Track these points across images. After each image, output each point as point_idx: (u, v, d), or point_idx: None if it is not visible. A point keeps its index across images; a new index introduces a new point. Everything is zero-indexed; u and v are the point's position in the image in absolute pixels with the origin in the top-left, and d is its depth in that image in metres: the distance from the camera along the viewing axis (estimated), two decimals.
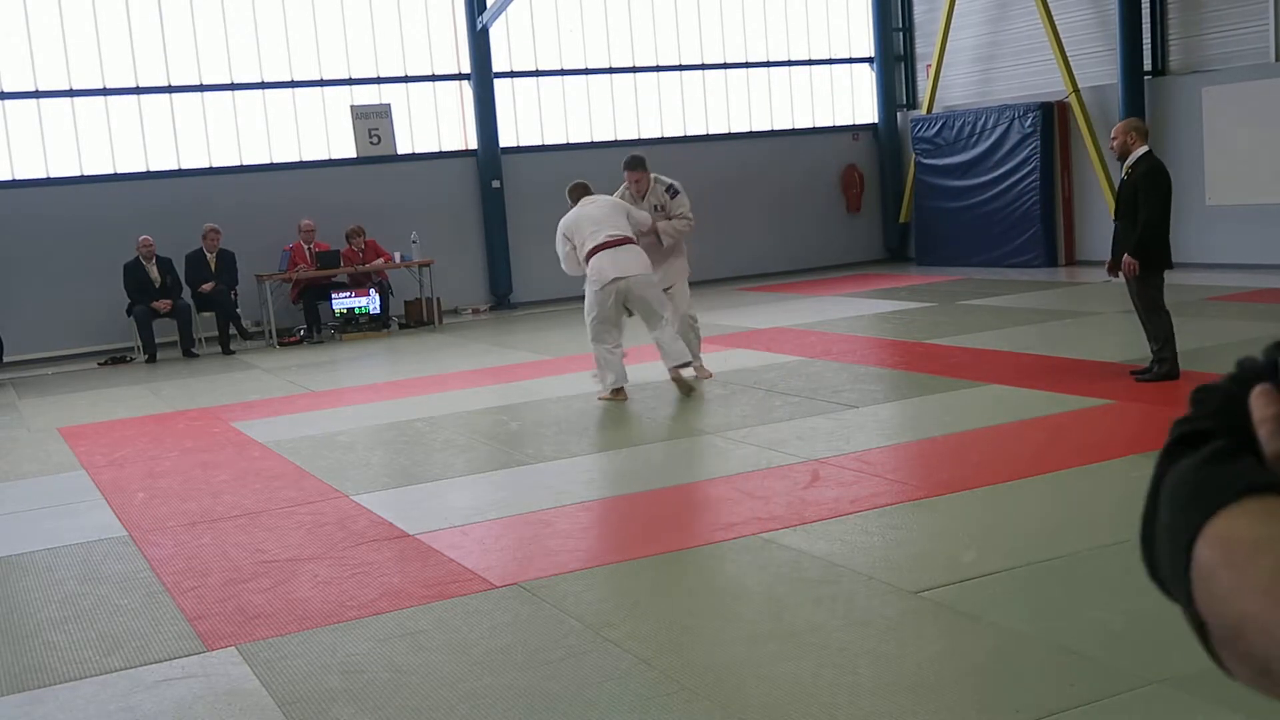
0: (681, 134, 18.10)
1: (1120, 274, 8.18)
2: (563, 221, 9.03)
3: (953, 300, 13.78)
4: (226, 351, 13.96)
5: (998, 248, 16.85)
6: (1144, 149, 8.10)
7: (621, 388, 8.94)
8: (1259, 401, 0.73)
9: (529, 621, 4.62)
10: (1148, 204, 7.95)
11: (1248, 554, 0.68)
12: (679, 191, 9.62)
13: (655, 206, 9.54)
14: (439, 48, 16.59)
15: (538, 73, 17.17)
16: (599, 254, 8.73)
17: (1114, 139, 8.20)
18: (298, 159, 15.86)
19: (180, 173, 15.23)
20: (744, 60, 18.50)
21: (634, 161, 9.55)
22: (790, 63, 18.81)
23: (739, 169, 18.13)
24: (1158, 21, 15.29)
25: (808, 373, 9.64)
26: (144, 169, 15.09)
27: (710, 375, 9.62)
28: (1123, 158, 8.16)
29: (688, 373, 9.15)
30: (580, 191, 9.19)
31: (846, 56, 19.22)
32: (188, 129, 15.31)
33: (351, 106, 15.92)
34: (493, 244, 16.65)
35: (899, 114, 19.22)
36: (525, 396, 9.52)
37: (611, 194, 9.48)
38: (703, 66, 18.19)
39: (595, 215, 8.90)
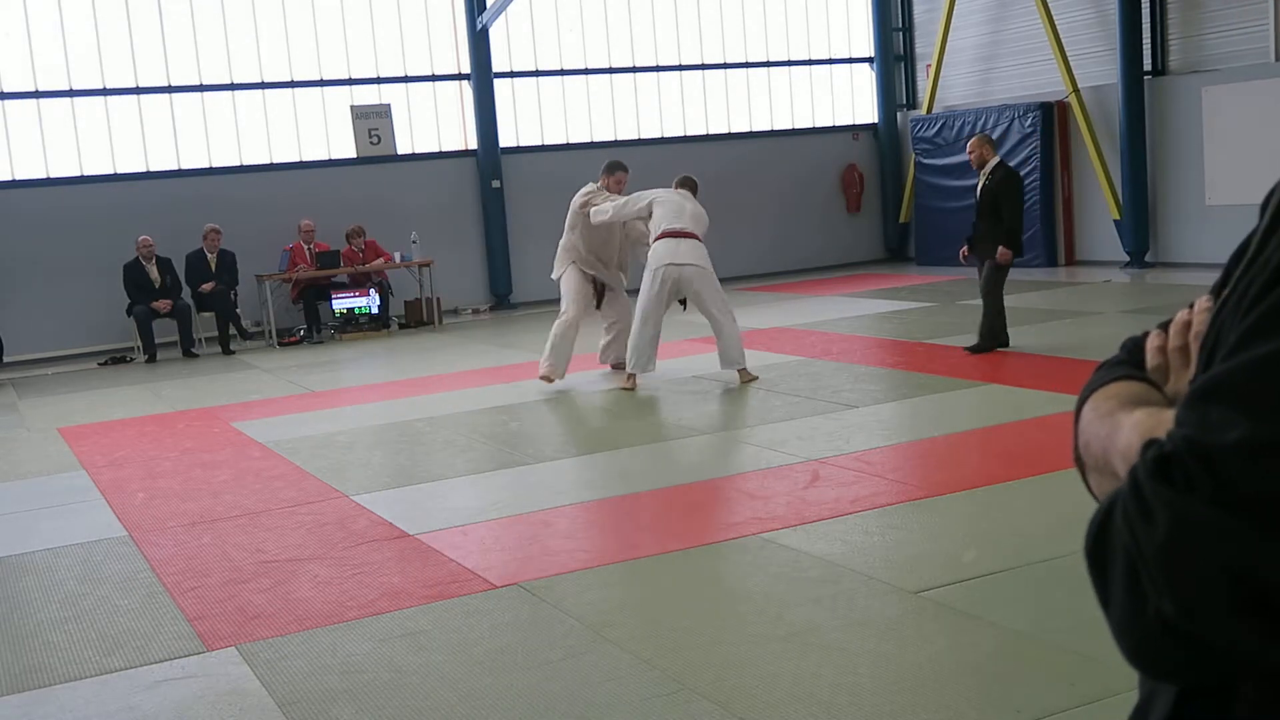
0: (681, 134, 18.10)
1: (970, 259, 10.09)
2: (659, 192, 9.50)
3: (953, 300, 13.78)
4: (226, 351, 13.97)
5: None
6: (996, 159, 9.89)
7: (634, 375, 9.31)
8: (1150, 339, 1.13)
9: (529, 621, 4.62)
10: (1010, 208, 9.65)
11: (1098, 403, 1.09)
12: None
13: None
14: (439, 48, 16.59)
15: (538, 73, 17.17)
16: (663, 239, 9.14)
17: (971, 153, 9.95)
18: (298, 159, 15.87)
19: (180, 173, 15.24)
20: (744, 60, 18.50)
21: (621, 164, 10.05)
22: (790, 63, 18.81)
23: (739, 169, 18.13)
24: (1158, 21, 15.29)
25: (808, 373, 9.64)
26: (144, 169, 15.10)
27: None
28: (979, 167, 9.90)
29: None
30: (687, 183, 9.69)
31: (846, 56, 19.22)
32: (188, 129, 15.31)
33: (351, 106, 15.92)
34: (492, 244, 16.66)
35: (899, 114, 19.22)
36: (525, 396, 9.52)
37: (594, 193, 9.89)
38: (703, 66, 18.20)
39: (677, 206, 9.32)
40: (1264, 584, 0.82)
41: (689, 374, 9.84)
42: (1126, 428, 1.03)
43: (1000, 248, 9.62)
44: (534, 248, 16.84)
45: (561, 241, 10.01)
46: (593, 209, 9.56)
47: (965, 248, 10.10)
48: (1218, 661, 0.87)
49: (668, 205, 9.32)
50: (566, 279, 9.92)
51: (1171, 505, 0.85)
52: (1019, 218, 9.76)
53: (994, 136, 16.86)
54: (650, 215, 9.36)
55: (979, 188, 9.93)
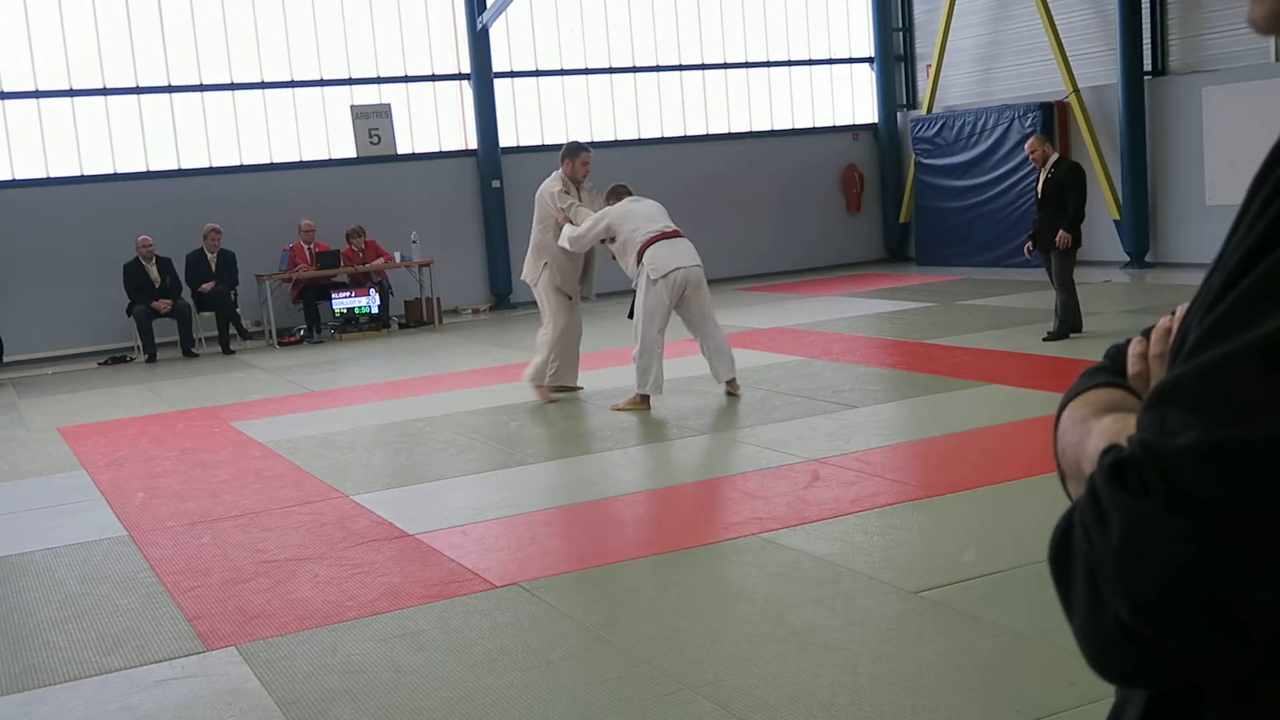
0: (681, 134, 18.10)
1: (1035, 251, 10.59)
2: (611, 210, 8.63)
3: (953, 300, 13.78)
4: (226, 351, 13.96)
5: (998, 248, 16.84)
6: (1056, 154, 10.52)
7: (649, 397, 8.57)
8: (1132, 346, 1.14)
9: (529, 621, 4.62)
10: (1076, 196, 10.22)
11: (1075, 410, 1.10)
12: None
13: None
14: (439, 48, 16.59)
15: (538, 73, 17.17)
16: (657, 243, 8.44)
17: (1032, 151, 10.53)
18: (298, 159, 15.87)
19: (180, 173, 15.24)
20: (744, 60, 18.50)
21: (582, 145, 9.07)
22: (790, 63, 18.82)
23: (739, 169, 18.13)
24: (1158, 21, 15.29)
25: (808, 373, 9.64)
26: (144, 169, 15.10)
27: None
28: (1042, 163, 10.47)
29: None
30: (624, 192, 8.89)
31: (846, 56, 19.22)
32: (188, 129, 15.31)
33: (351, 106, 15.92)
34: (492, 244, 16.65)
35: (899, 114, 19.22)
36: (525, 396, 9.50)
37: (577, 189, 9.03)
38: (703, 66, 18.20)
39: (647, 211, 8.66)
40: (1219, 589, 0.81)
41: (687, 374, 9.83)
42: (1096, 434, 1.04)
43: (1061, 232, 10.13)
44: None
45: (534, 241, 9.06)
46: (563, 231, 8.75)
47: (1029, 243, 10.57)
48: (1177, 667, 0.87)
49: (637, 213, 8.58)
50: (547, 294, 9.03)
51: (1127, 510, 0.85)
52: (1082, 206, 10.30)
53: (994, 137, 17.01)
54: (612, 238, 8.58)
55: (1041, 182, 10.45)
